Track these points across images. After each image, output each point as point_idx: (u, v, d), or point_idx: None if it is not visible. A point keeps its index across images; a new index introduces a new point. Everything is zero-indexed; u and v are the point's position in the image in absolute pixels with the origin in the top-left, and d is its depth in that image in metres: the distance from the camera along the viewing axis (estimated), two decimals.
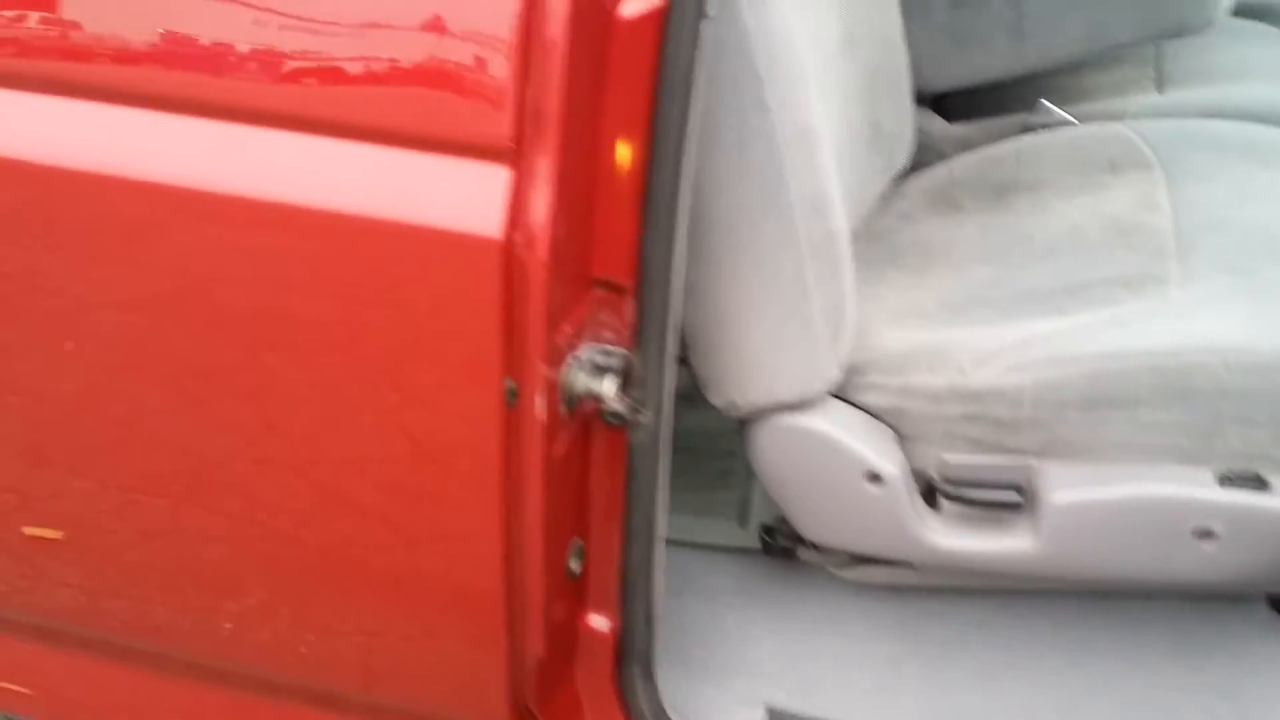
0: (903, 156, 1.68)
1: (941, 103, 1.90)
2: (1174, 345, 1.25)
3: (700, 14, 0.99)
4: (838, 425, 1.27)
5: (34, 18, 1.02)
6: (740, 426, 1.32)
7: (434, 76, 0.94)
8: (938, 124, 1.85)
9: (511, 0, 0.91)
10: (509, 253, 0.95)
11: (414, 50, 0.94)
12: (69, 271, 1.09)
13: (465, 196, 0.96)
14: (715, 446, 1.53)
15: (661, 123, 1.01)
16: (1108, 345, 1.26)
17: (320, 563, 1.16)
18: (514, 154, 0.95)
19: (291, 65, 0.97)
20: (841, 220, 1.22)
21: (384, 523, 1.12)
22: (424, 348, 1.03)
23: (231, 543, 1.17)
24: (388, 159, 0.97)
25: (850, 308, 1.25)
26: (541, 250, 0.97)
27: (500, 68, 0.93)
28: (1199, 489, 1.24)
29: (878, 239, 1.55)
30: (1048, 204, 1.54)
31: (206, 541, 1.18)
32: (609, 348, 1.07)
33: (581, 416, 1.10)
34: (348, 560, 1.15)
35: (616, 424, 1.09)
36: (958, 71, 1.80)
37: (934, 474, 1.30)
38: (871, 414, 1.31)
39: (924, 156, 1.75)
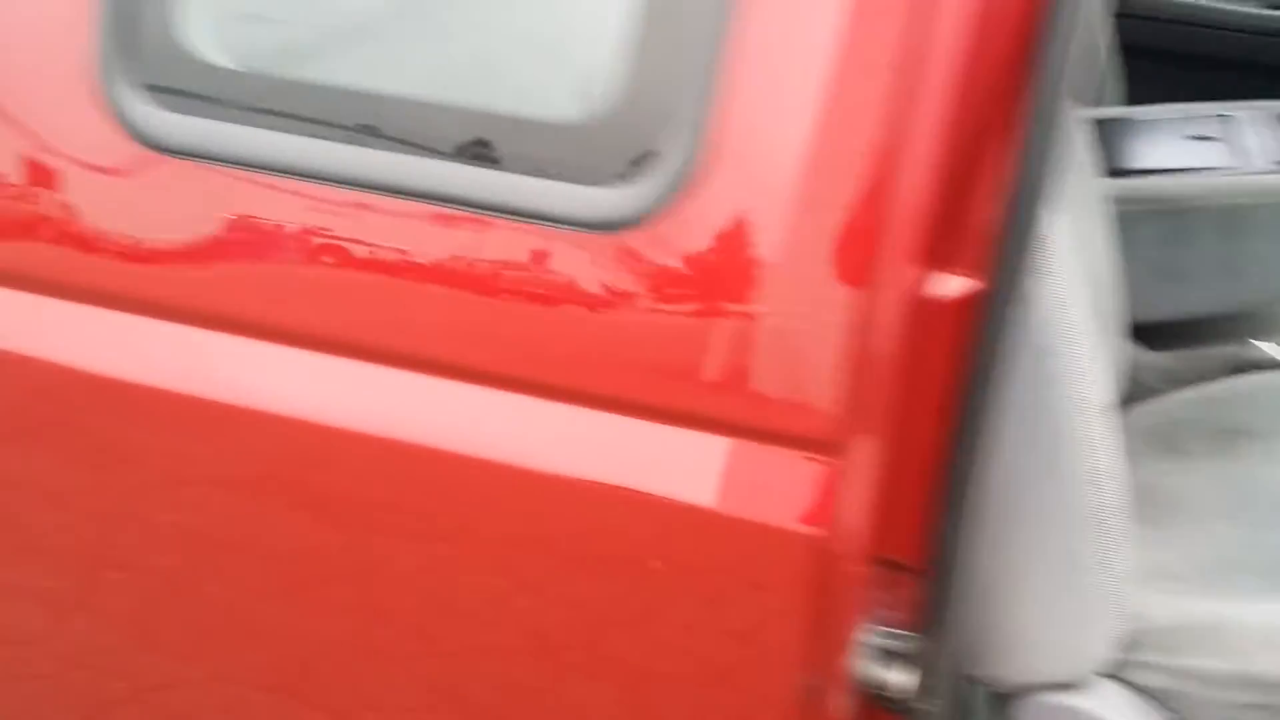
0: (1116, 392, 1.63)
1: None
2: None
3: (1017, 295, 0.95)
4: (1111, 709, 1.19)
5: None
6: (997, 700, 1.24)
7: (757, 363, 0.90)
8: (1139, 353, 1.80)
9: (844, 290, 0.88)
10: (824, 549, 0.90)
11: (737, 333, 0.90)
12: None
13: (779, 487, 0.91)
14: None
15: (966, 403, 0.97)
16: None
17: None
18: (834, 446, 0.90)
19: (603, 347, 0.93)
20: (1121, 495, 1.16)
21: None
22: (705, 636, 0.97)
23: None
24: (694, 442, 0.93)
25: (1127, 585, 1.18)
26: (857, 546, 0.92)
27: (829, 357, 0.89)
28: None
29: None
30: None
31: None
32: (894, 630, 1.02)
33: (860, 701, 1.03)
34: None
35: (898, 711, 1.03)
36: (1165, 307, 1.76)
37: None
38: (1142, 693, 1.23)
39: (1125, 385, 1.70)
